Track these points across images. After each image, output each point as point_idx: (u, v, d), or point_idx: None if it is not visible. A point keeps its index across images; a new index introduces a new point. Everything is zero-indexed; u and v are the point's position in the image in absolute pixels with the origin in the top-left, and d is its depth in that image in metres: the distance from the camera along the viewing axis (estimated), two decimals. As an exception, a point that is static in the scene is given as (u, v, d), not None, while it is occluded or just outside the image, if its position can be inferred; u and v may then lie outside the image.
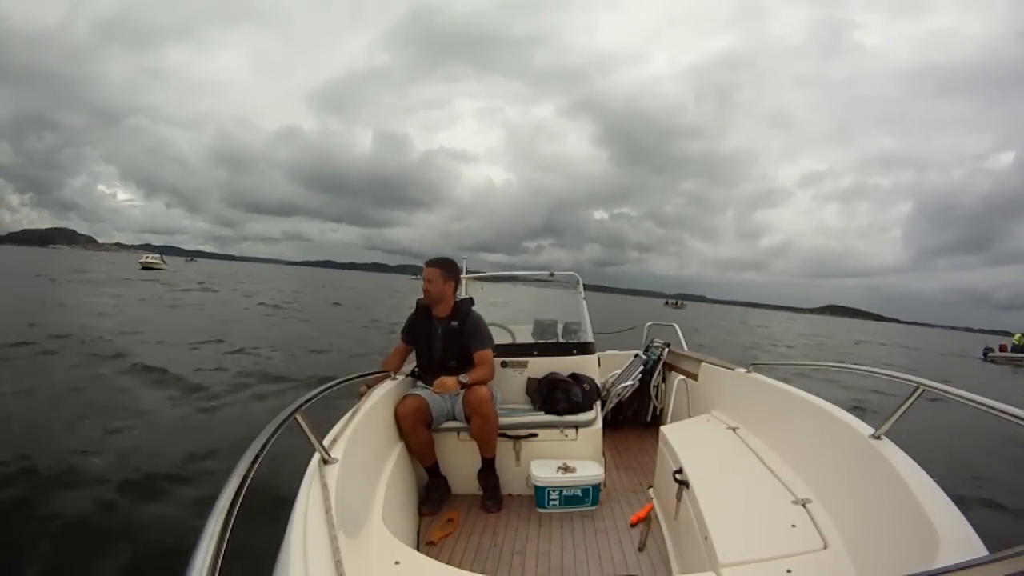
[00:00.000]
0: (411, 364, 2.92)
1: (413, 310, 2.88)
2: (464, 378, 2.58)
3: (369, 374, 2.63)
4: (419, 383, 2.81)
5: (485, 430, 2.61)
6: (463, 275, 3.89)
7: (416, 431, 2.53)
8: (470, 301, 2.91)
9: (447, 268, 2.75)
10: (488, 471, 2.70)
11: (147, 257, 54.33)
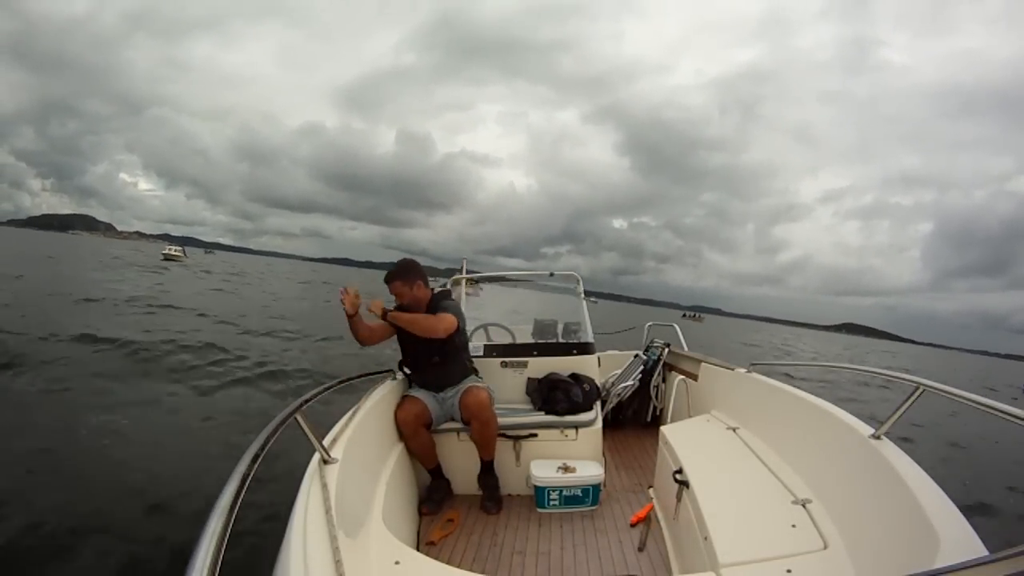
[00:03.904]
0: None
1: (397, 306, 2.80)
2: (391, 306, 2.58)
3: (369, 374, 2.63)
4: (414, 384, 2.80)
5: (485, 434, 2.61)
6: (463, 274, 3.89)
7: (417, 434, 2.52)
8: (445, 293, 2.84)
9: (406, 275, 2.64)
10: (487, 473, 2.69)
11: (170, 249, 55.85)
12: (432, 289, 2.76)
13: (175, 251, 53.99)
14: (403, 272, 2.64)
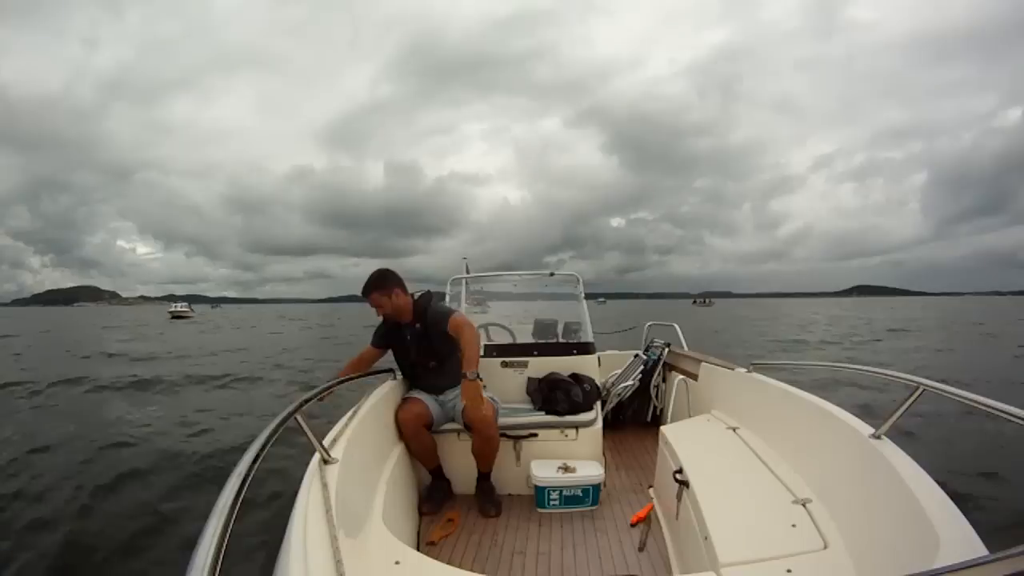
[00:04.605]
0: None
1: (381, 320, 2.73)
2: (472, 374, 2.34)
3: (369, 374, 2.63)
4: (415, 387, 2.79)
5: (486, 450, 2.60)
6: (464, 275, 3.89)
7: (419, 435, 2.52)
8: (428, 296, 2.75)
9: (383, 285, 2.57)
10: (484, 480, 2.68)
11: (176, 307, 56.42)
12: (412, 295, 2.69)
13: (182, 308, 54.59)
14: (379, 282, 2.56)
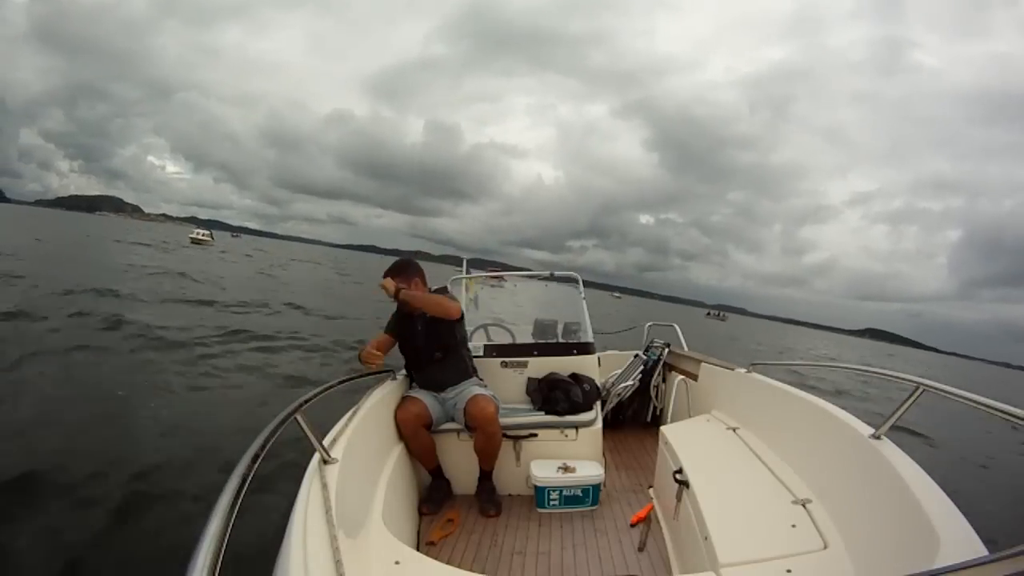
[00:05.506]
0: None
1: (395, 310, 2.82)
2: (403, 284, 2.60)
3: (369, 374, 2.63)
4: (414, 384, 2.80)
5: (488, 448, 2.60)
6: (463, 274, 3.89)
7: (418, 435, 2.52)
8: (444, 290, 2.89)
9: (405, 272, 2.70)
10: (485, 479, 2.69)
11: (197, 233, 55.69)
12: (429, 288, 2.78)
13: (203, 235, 53.60)
14: (401, 269, 2.69)
